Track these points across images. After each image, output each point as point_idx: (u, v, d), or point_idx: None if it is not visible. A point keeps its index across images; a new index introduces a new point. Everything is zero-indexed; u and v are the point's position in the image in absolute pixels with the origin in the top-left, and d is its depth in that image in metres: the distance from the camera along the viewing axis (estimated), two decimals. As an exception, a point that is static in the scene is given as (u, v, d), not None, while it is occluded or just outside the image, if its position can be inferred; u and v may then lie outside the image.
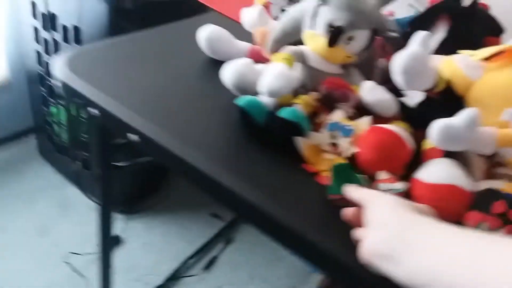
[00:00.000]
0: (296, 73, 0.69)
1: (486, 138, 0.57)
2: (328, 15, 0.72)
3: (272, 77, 0.66)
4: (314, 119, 0.70)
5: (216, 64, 0.82)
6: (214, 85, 0.77)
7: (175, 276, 1.50)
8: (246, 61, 0.73)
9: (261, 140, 0.68)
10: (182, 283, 1.50)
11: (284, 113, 0.65)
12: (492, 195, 0.55)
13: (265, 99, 0.69)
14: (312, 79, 0.74)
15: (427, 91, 0.64)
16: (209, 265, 1.58)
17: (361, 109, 0.71)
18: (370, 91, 0.69)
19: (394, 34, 0.78)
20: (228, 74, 0.72)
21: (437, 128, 0.55)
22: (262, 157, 0.67)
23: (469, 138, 0.55)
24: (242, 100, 0.67)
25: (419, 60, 0.56)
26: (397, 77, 0.57)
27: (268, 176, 0.63)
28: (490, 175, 0.64)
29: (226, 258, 1.63)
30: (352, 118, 0.69)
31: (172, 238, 1.63)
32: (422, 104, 0.68)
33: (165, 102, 0.74)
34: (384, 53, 0.77)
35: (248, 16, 0.93)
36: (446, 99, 0.63)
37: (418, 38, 0.58)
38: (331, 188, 0.60)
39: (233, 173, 0.61)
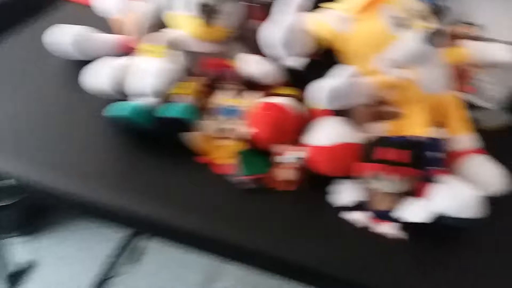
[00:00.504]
0: (176, 64, 0.65)
1: (364, 90, 0.59)
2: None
3: (153, 77, 0.62)
4: (205, 105, 0.68)
5: (74, 67, 0.75)
6: (79, 95, 0.71)
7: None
8: (120, 61, 0.67)
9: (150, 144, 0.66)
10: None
11: (169, 111, 0.62)
12: (382, 143, 0.58)
13: (147, 99, 0.64)
14: (195, 64, 0.70)
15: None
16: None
17: (248, 83, 0.69)
18: (248, 64, 0.67)
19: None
20: (103, 77, 0.66)
21: (323, 90, 0.56)
22: (149, 163, 0.64)
23: (352, 95, 0.57)
24: (125, 109, 0.62)
25: (296, 29, 0.56)
26: (277, 49, 0.56)
27: (164, 184, 0.61)
28: (375, 117, 0.69)
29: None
30: (239, 95, 0.68)
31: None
32: (307, 67, 0.68)
33: (29, 132, 0.67)
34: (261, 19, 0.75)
35: (106, 2, 0.83)
36: (328, 58, 0.64)
37: (293, 4, 0.56)
38: (241, 171, 0.61)
39: (127, 193, 0.59)
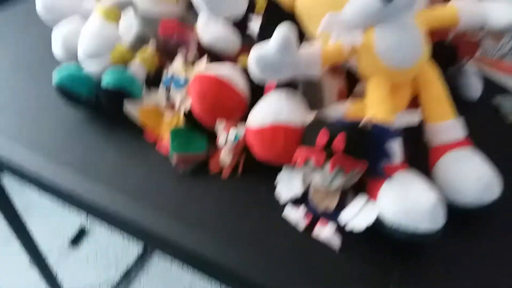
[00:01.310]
0: (117, 28, 0.60)
1: (309, 59, 0.48)
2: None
3: (87, 38, 0.58)
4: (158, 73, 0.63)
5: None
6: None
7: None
8: (72, 24, 0.64)
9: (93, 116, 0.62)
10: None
11: (107, 80, 0.58)
12: (317, 125, 0.47)
13: (89, 65, 0.61)
14: (150, 27, 0.65)
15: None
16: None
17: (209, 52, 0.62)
18: (205, 28, 0.60)
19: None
20: (57, 43, 0.63)
21: (251, 60, 0.47)
22: (91, 139, 0.60)
23: (289, 63, 0.47)
24: (58, 75, 0.58)
25: None
26: (202, 3, 0.48)
27: (101, 163, 0.57)
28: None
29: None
30: (194, 63, 0.61)
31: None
32: (261, 29, 0.58)
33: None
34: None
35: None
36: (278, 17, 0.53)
37: None
38: (172, 147, 0.55)
39: (63, 168, 0.56)
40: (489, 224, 0.49)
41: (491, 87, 0.68)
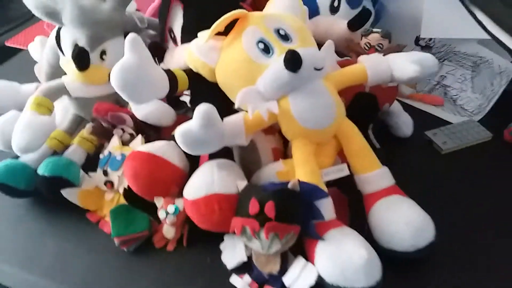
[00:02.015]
0: (49, 117, 0.61)
1: (233, 130, 0.50)
2: (68, 36, 0.64)
3: (18, 133, 0.58)
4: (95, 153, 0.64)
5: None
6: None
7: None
8: (10, 114, 0.65)
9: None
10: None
11: (43, 169, 0.58)
12: (247, 193, 0.48)
13: (29, 156, 0.62)
14: (85, 109, 0.66)
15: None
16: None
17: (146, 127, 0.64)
18: (135, 106, 0.62)
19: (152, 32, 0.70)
20: None
21: (177, 136, 0.48)
22: (30, 227, 0.60)
23: (212, 138, 0.49)
24: None
25: (134, 71, 0.49)
26: (120, 94, 0.50)
27: (40, 251, 0.57)
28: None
29: None
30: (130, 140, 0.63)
31: None
32: (193, 99, 0.61)
33: None
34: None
35: (33, 50, 0.84)
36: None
37: (128, 43, 0.50)
38: (113, 231, 0.55)
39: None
40: (434, 263, 0.50)
41: (426, 121, 0.73)
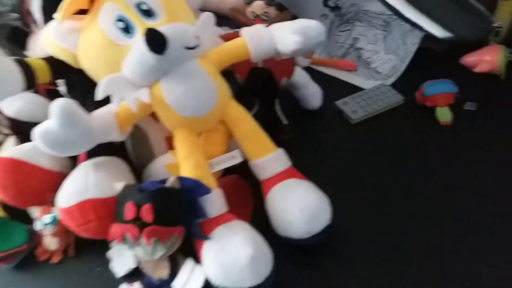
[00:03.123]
0: None
1: (103, 125, 0.44)
2: None
3: None
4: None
5: None
6: None
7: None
8: None
9: None
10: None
11: None
12: (124, 195, 0.44)
13: None
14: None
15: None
16: None
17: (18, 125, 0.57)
18: (3, 104, 0.55)
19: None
20: None
21: (36, 138, 0.42)
22: None
23: (78, 136, 0.43)
24: None
25: None
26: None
27: None
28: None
29: None
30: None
31: None
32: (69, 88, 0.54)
33: None
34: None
35: None
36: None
37: None
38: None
39: None
40: (330, 250, 0.48)
41: (339, 89, 0.69)
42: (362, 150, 0.59)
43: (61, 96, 0.58)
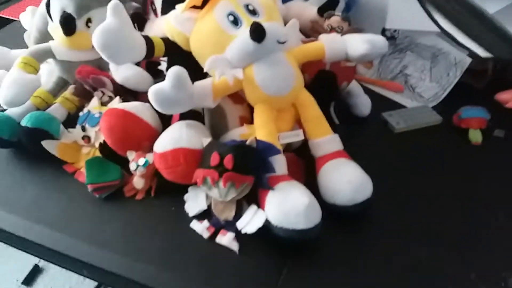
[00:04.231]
0: (35, 76, 0.68)
1: (202, 93, 0.58)
2: (57, 4, 0.71)
3: (5, 87, 0.65)
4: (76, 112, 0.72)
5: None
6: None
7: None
8: None
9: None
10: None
11: (26, 121, 0.65)
12: (210, 148, 0.56)
13: (14, 111, 0.69)
14: (69, 73, 0.74)
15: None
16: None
17: (121, 90, 0.71)
18: (116, 71, 0.69)
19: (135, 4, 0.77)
20: None
21: (150, 94, 0.56)
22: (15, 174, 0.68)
23: (182, 98, 0.56)
24: None
25: (115, 33, 0.56)
26: (101, 54, 0.57)
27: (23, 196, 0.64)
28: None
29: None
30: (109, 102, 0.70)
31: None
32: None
33: None
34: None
35: (24, 19, 0.90)
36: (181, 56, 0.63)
37: (110, 9, 0.57)
38: (87, 178, 0.62)
39: None
40: (366, 220, 0.59)
41: (385, 104, 0.81)
42: (401, 157, 0.70)
43: (159, 71, 0.73)
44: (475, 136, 0.70)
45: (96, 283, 1.46)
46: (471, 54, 0.75)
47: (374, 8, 0.83)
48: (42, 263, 1.56)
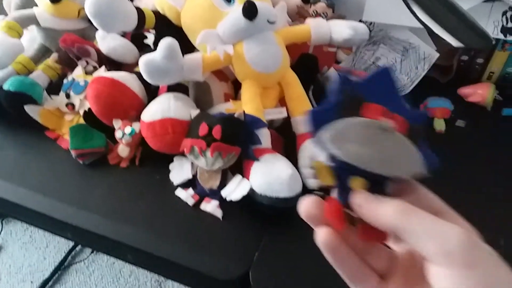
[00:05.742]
0: (19, 41, 0.68)
1: (192, 65, 0.61)
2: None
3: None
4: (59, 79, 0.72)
5: None
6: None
7: (62, 266, 1.51)
8: None
9: None
10: (71, 270, 1.52)
11: (8, 84, 0.66)
12: (199, 119, 0.59)
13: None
14: (52, 40, 0.74)
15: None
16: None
17: (105, 60, 0.73)
18: (103, 41, 0.70)
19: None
20: None
21: (141, 64, 0.58)
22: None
23: (173, 69, 0.59)
24: None
25: (108, 1, 0.58)
26: (92, 21, 0.59)
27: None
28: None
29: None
30: (93, 72, 0.71)
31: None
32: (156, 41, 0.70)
33: None
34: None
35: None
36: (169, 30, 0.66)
37: None
38: (72, 144, 0.64)
39: None
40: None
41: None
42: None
43: (145, 45, 0.75)
44: (440, 125, 0.77)
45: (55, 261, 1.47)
46: (439, 49, 0.82)
47: (352, 1, 0.88)
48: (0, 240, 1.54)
